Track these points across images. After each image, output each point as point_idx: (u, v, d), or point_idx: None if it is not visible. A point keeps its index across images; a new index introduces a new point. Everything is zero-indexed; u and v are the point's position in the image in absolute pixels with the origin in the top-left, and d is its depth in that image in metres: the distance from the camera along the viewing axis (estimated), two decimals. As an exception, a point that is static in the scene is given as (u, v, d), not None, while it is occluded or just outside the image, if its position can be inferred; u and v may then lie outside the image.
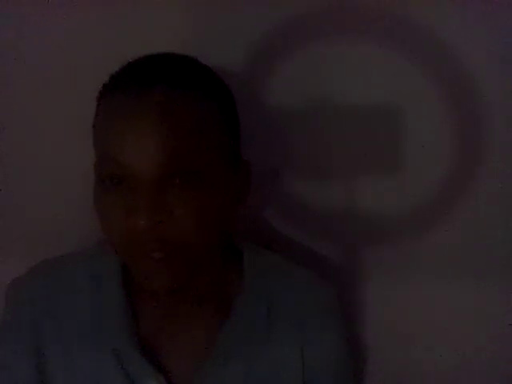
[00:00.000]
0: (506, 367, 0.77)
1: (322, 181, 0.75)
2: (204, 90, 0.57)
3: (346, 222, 0.76)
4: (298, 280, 0.67)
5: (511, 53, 0.69)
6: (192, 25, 0.69)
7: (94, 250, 0.66)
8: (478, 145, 0.72)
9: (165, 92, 0.54)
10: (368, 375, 0.79)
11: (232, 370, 0.62)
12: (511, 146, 0.72)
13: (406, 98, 0.71)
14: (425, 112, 0.71)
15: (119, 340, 0.61)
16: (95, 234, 0.67)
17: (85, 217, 0.71)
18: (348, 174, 0.74)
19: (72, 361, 0.61)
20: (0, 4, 0.68)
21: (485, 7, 0.67)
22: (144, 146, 0.53)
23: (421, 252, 0.75)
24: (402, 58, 0.70)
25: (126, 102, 0.54)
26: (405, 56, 0.70)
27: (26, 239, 0.75)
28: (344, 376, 0.69)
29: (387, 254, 0.76)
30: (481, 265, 0.75)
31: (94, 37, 0.69)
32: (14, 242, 0.75)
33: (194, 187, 0.54)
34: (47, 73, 0.70)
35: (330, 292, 0.68)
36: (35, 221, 0.74)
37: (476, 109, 0.71)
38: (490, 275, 0.75)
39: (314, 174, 0.75)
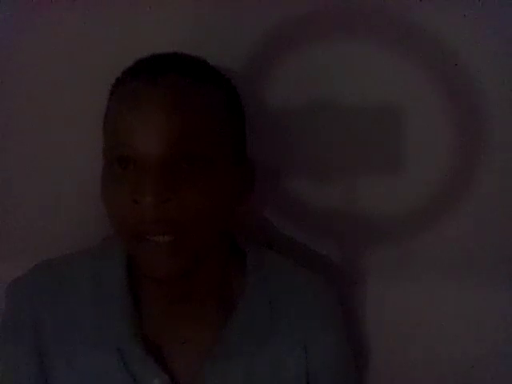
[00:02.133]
0: (506, 367, 0.77)
1: (321, 181, 0.75)
2: (212, 82, 0.59)
3: (346, 222, 0.76)
4: (299, 280, 0.68)
5: (511, 52, 0.69)
6: (192, 25, 0.69)
7: (94, 250, 0.66)
8: (478, 145, 0.72)
9: (175, 78, 0.56)
10: (368, 375, 0.79)
11: (234, 369, 0.62)
12: (511, 146, 0.72)
13: (406, 97, 0.71)
14: (425, 112, 0.71)
15: (123, 339, 0.61)
16: (96, 233, 0.67)
17: (85, 217, 0.71)
18: (348, 173, 0.74)
19: (75, 360, 0.61)
20: (0, 4, 0.68)
21: (485, 7, 0.67)
22: (152, 129, 0.54)
23: (421, 252, 0.75)
24: (402, 58, 0.70)
25: (136, 88, 0.56)
26: (405, 56, 0.70)
27: (25, 239, 0.75)
28: (345, 376, 0.69)
29: (387, 254, 0.76)
30: (481, 265, 0.75)
31: (94, 37, 0.69)
32: (14, 242, 0.75)
33: (199, 172, 0.55)
34: (47, 73, 0.70)
35: (331, 292, 0.68)
36: (35, 221, 0.74)
37: (476, 109, 0.71)
38: (490, 275, 0.75)
39: (314, 174, 0.75)
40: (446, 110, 0.71)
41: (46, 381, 0.61)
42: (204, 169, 0.56)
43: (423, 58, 0.70)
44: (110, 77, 0.60)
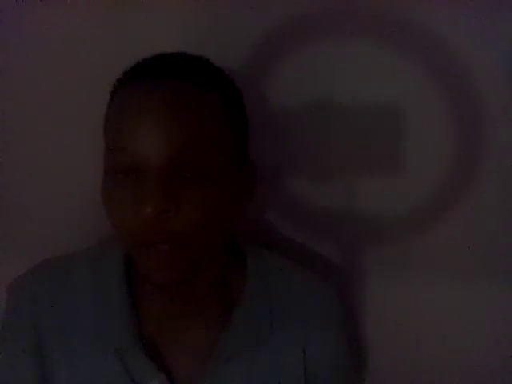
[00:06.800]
0: (505, 367, 0.77)
1: (322, 181, 0.75)
2: (215, 86, 0.58)
3: (346, 222, 0.76)
4: (299, 281, 0.68)
5: (511, 53, 0.69)
6: (192, 25, 0.69)
7: (94, 250, 0.66)
8: (478, 145, 0.72)
9: (176, 84, 0.55)
10: (368, 375, 0.80)
11: (234, 370, 0.62)
12: (511, 146, 0.72)
13: (406, 97, 0.71)
14: (425, 112, 0.71)
15: (122, 339, 0.61)
16: (96, 233, 0.67)
17: (85, 217, 0.71)
18: (348, 173, 0.74)
19: (74, 360, 0.61)
20: (0, 4, 0.68)
21: (485, 7, 0.67)
22: (153, 136, 0.53)
23: (421, 252, 0.75)
24: (401, 57, 0.70)
25: (137, 94, 0.55)
26: (405, 56, 0.70)
27: (25, 239, 0.75)
28: (345, 375, 0.69)
29: (387, 254, 0.76)
30: (481, 265, 0.75)
31: (94, 37, 0.69)
32: (14, 242, 0.75)
33: (201, 181, 0.55)
34: (47, 74, 0.70)
35: (330, 293, 0.68)
36: (35, 221, 0.74)
37: (476, 109, 0.71)
38: (490, 275, 0.75)
39: (314, 174, 0.75)
40: (445, 110, 0.71)
41: (46, 381, 0.61)
42: (206, 177, 0.55)
43: (423, 58, 0.70)
44: (110, 76, 0.60)
